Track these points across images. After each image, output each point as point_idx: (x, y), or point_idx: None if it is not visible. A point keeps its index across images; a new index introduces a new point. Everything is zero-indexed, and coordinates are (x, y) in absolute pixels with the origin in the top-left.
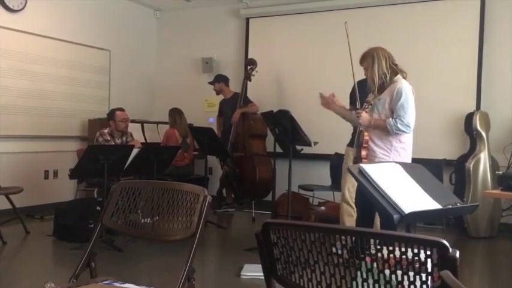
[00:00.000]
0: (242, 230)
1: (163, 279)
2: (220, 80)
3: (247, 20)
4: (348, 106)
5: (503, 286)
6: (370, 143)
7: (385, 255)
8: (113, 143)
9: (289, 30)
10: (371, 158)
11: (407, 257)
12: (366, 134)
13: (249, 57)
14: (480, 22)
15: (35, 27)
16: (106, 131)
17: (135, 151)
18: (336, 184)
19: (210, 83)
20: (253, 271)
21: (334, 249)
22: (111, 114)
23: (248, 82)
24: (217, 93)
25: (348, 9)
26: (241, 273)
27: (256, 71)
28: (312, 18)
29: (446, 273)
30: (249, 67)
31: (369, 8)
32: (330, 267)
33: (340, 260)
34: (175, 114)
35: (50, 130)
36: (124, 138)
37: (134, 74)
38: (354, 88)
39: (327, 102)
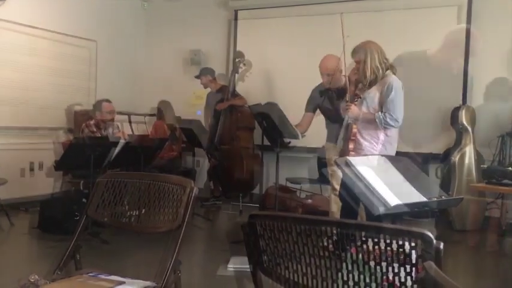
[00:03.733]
0: (229, 223)
1: (150, 271)
2: (206, 73)
3: (236, 12)
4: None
5: (487, 278)
6: (358, 136)
7: (370, 247)
8: (99, 135)
9: (278, 22)
10: (357, 151)
11: (392, 249)
12: (354, 126)
13: (237, 50)
14: (467, 16)
15: (19, 17)
16: (92, 122)
17: (121, 143)
18: (324, 177)
19: (197, 77)
20: (240, 263)
21: (320, 242)
22: (98, 105)
23: (236, 75)
24: (205, 86)
25: (340, 2)
26: (228, 266)
27: (244, 64)
28: (301, 11)
29: (430, 265)
30: (237, 60)
31: (361, 0)
32: (315, 258)
33: (326, 253)
34: (164, 106)
35: (35, 121)
36: (110, 130)
37: (121, 65)
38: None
39: None
